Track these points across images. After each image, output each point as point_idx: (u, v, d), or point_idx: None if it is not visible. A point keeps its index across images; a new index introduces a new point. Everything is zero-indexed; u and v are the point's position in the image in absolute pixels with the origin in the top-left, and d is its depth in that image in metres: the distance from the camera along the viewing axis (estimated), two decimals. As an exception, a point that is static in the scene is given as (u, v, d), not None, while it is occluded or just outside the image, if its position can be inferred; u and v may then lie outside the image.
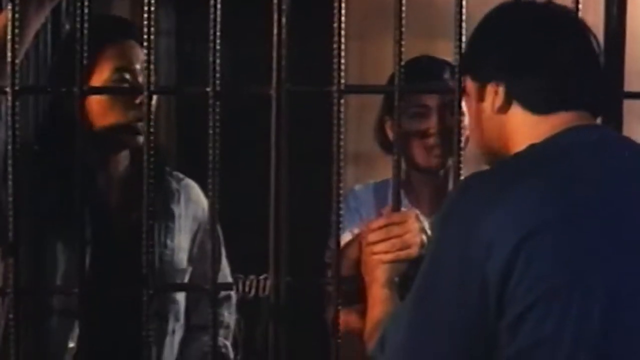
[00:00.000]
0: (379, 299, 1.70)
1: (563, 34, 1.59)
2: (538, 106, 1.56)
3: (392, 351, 1.51)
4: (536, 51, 1.56)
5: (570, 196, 1.45)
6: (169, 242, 2.12)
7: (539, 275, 1.40)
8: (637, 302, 1.43)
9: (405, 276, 1.70)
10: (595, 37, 1.61)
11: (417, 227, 1.73)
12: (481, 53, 1.62)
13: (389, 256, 1.73)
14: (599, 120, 1.65)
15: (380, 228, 1.75)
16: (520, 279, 1.40)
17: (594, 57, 1.59)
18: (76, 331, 1.98)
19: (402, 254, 1.72)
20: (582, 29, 1.62)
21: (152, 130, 1.78)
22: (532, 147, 1.53)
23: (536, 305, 1.40)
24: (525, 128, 1.56)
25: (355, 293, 1.78)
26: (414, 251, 1.71)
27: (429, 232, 1.73)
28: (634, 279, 1.44)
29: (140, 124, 1.96)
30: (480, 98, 1.60)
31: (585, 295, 1.40)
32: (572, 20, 1.64)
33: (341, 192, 1.82)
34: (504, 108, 1.57)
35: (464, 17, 1.80)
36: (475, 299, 1.42)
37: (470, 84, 1.64)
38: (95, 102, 2.02)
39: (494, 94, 1.58)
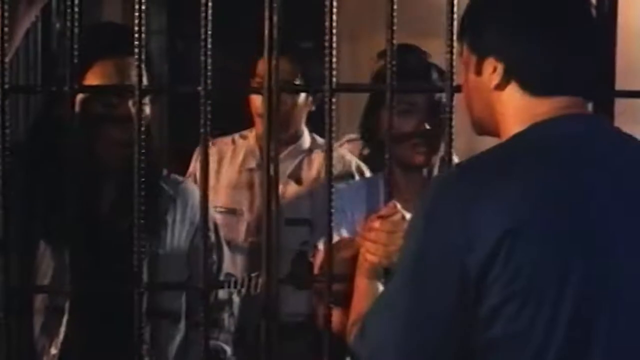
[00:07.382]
0: (362, 292, 1.70)
1: (566, 14, 1.54)
2: (536, 87, 1.52)
3: (376, 342, 1.50)
4: (538, 31, 1.52)
5: (553, 192, 1.44)
6: (160, 251, 2.11)
7: (517, 271, 1.40)
8: (611, 304, 1.42)
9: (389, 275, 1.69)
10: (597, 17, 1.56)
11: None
12: (482, 25, 1.56)
13: (373, 258, 1.73)
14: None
15: (372, 230, 1.74)
16: (499, 272, 1.40)
17: (596, 39, 1.56)
18: (60, 337, 1.97)
19: (385, 261, 1.71)
20: (588, 9, 1.57)
21: (143, 134, 1.78)
22: (516, 137, 1.51)
23: (511, 301, 1.40)
24: (520, 109, 1.52)
25: (346, 292, 1.77)
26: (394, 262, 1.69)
27: None
28: (610, 281, 1.43)
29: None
30: (478, 71, 1.55)
31: (559, 295, 1.40)
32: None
33: (333, 190, 1.82)
34: (501, 86, 1.53)
35: (455, 16, 1.80)
36: (456, 292, 1.42)
37: (468, 54, 1.58)
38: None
39: (492, 70, 1.53)
